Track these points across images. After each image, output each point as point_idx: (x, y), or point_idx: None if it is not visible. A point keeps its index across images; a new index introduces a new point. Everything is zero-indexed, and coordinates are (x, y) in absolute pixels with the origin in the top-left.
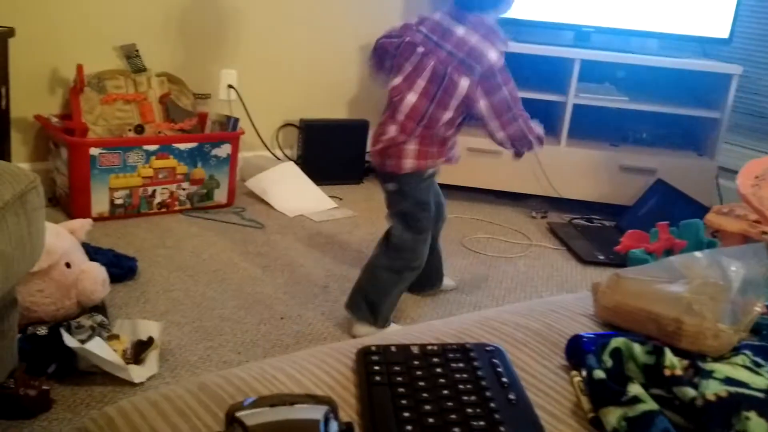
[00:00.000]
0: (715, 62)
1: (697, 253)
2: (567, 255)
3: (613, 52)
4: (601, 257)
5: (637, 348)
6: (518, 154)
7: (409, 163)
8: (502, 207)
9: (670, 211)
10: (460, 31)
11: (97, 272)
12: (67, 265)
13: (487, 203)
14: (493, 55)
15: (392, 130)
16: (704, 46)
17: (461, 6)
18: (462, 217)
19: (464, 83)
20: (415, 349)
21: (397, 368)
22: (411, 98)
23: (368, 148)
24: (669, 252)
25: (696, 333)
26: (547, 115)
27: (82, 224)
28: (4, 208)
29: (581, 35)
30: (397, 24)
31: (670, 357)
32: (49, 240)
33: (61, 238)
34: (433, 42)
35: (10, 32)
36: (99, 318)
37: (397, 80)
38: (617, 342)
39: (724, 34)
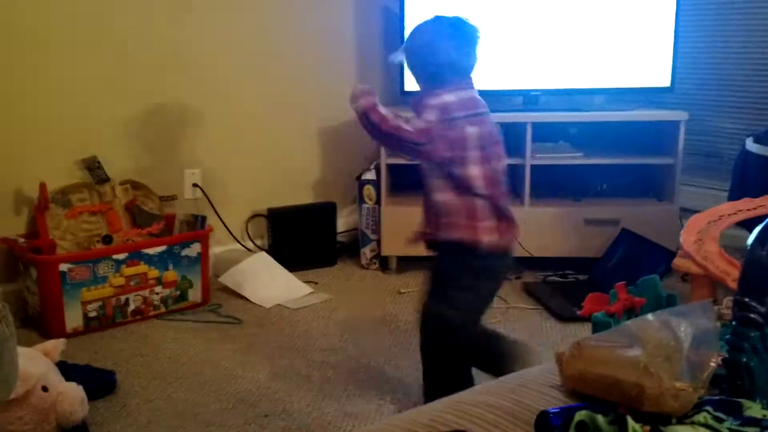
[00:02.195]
0: (661, 111)
1: (649, 316)
2: (545, 314)
3: (562, 112)
4: (578, 312)
5: (600, 419)
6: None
7: None
8: None
9: (639, 259)
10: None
11: (75, 393)
12: (44, 388)
13: None
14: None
15: None
16: (648, 95)
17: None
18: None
19: None
20: None
21: None
22: None
23: (339, 229)
24: (630, 311)
25: (657, 396)
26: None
27: (55, 345)
28: None
29: (530, 99)
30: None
31: (632, 425)
32: (24, 365)
33: (36, 362)
34: None
35: None
36: None
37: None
38: (581, 415)
39: (666, 83)
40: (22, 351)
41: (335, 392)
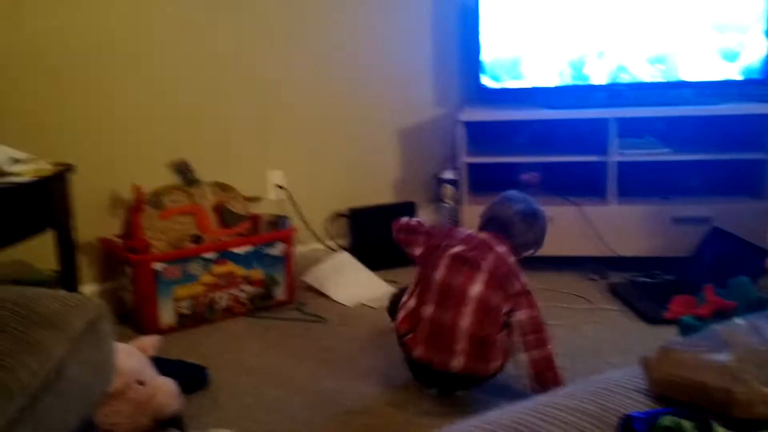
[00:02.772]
0: (753, 104)
1: (738, 320)
2: (632, 316)
3: (647, 108)
4: (665, 315)
5: (687, 425)
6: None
7: None
8: (559, 273)
9: (731, 259)
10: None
11: (170, 387)
12: (140, 382)
13: (543, 270)
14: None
15: None
16: (740, 88)
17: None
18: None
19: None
20: None
21: None
22: None
23: None
24: (720, 313)
25: (747, 401)
26: (590, 176)
27: (151, 341)
28: (79, 339)
29: (614, 93)
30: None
31: (719, 431)
32: (121, 360)
33: (132, 357)
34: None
35: (70, 168)
36: (174, 431)
37: None
38: (666, 420)
39: (758, 74)
40: (118, 347)
41: (415, 392)
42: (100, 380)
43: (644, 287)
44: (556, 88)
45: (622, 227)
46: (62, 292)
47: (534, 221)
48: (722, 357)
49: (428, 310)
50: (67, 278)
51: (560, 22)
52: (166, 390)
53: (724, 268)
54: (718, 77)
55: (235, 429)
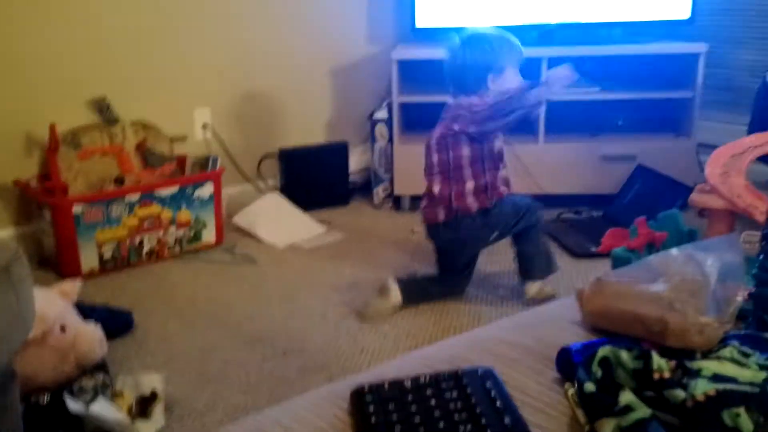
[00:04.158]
0: (680, 43)
1: (674, 251)
2: (559, 251)
3: (578, 46)
4: (593, 249)
5: (625, 354)
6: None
7: None
8: None
9: (655, 195)
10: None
11: (93, 332)
12: (62, 328)
13: None
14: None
15: None
16: (668, 28)
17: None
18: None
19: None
20: (408, 384)
21: (391, 407)
22: None
23: (351, 168)
24: (651, 246)
25: (681, 330)
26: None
27: (72, 286)
28: None
29: (545, 33)
30: None
31: (657, 360)
32: (41, 306)
33: (53, 303)
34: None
35: None
36: (100, 377)
37: None
38: (604, 351)
39: (685, 14)
40: (38, 293)
41: (351, 329)
42: (17, 328)
43: (572, 224)
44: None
45: (551, 165)
46: None
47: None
48: (657, 287)
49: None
50: None
51: None
52: (89, 336)
53: (648, 205)
54: (647, 17)
55: (165, 372)
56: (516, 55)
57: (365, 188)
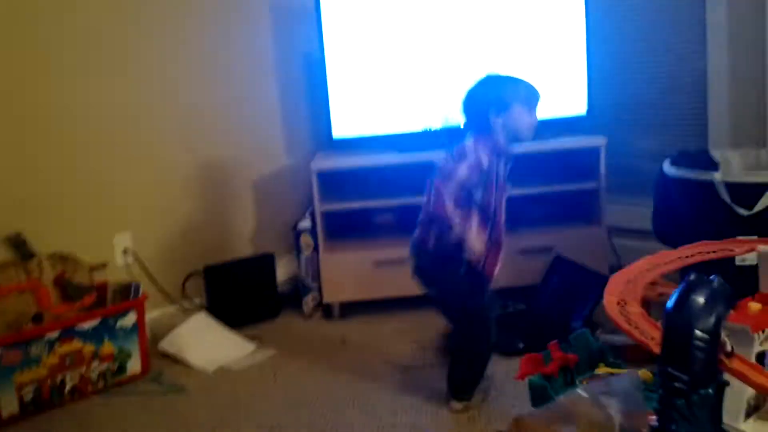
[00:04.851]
0: (581, 137)
1: (581, 392)
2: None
3: None
4: (522, 345)
5: None
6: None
7: None
8: (419, 310)
9: (574, 285)
10: None
11: None
12: None
13: (404, 310)
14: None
15: None
16: (568, 124)
17: None
18: (383, 331)
19: None
20: None
21: None
22: None
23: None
24: (565, 368)
25: None
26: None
27: None
28: None
29: (453, 136)
30: None
31: None
32: None
33: None
34: None
35: None
36: None
37: None
38: None
39: (582, 110)
40: None
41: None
42: None
43: (499, 320)
44: (401, 135)
45: None
46: None
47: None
48: (568, 429)
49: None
50: None
51: (401, 72)
52: None
53: (568, 295)
54: (548, 115)
55: None
56: (526, 93)
57: (294, 297)
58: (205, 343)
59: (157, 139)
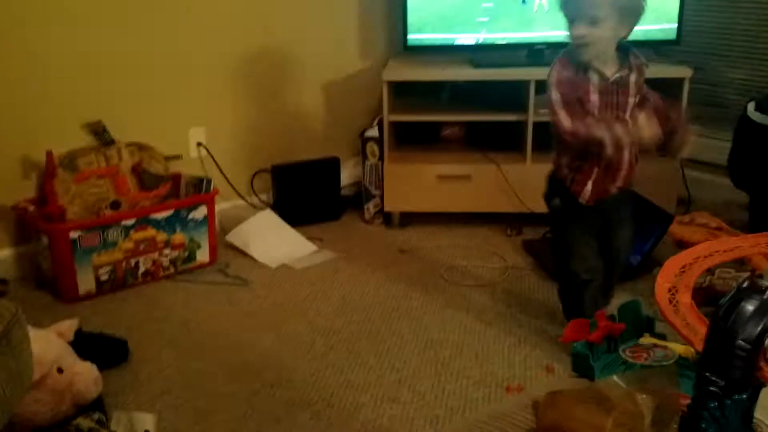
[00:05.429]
0: (665, 66)
1: (618, 380)
2: (542, 274)
3: None
4: (560, 339)
5: None
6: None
7: None
8: (477, 228)
9: (639, 219)
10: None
11: (90, 372)
12: (59, 370)
13: (462, 226)
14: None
15: None
16: (657, 47)
17: None
18: (440, 245)
19: None
20: None
21: None
22: None
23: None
24: (609, 338)
25: None
26: (510, 133)
27: (69, 325)
28: None
29: (534, 53)
30: None
31: None
32: (38, 350)
33: (51, 345)
34: None
35: None
36: (96, 416)
37: None
38: None
39: (672, 35)
40: (36, 335)
41: (338, 361)
42: (17, 387)
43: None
44: (479, 45)
45: (537, 185)
46: None
47: None
48: (603, 413)
49: None
50: None
51: None
52: (86, 376)
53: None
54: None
55: (158, 406)
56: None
57: (356, 201)
58: (270, 239)
59: (233, 37)
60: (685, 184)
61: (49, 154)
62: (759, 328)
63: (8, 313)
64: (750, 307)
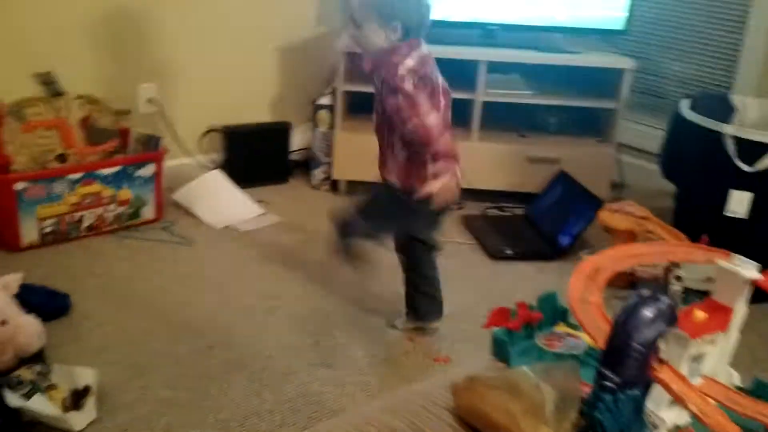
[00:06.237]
0: (609, 56)
1: (527, 370)
2: (478, 250)
3: (516, 50)
4: (509, 252)
5: None
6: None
7: None
8: None
9: (571, 203)
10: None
11: (32, 325)
12: (2, 322)
13: None
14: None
15: None
16: (605, 35)
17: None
18: None
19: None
20: None
21: None
22: None
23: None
24: (528, 326)
25: None
26: (458, 109)
27: (14, 278)
28: None
29: (487, 33)
30: None
31: None
32: None
33: None
34: None
35: None
36: (37, 368)
37: None
38: None
39: (621, 25)
40: None
41: (277, 325)
42: None
43: (494, 222)
44: (435, 21)
45: (481, 162)
46: None
47: None
48: (512, 403)
49: None
50: None
51: None
52: (29, 328)
53: (564, 210)
54: (588, 24)
55: (98, 360)
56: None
57: (304, 166)
58: (216, 200)
59: None
60: (619, 169)
61: None
62: (653, 333)
63: None
64: (647, 313)
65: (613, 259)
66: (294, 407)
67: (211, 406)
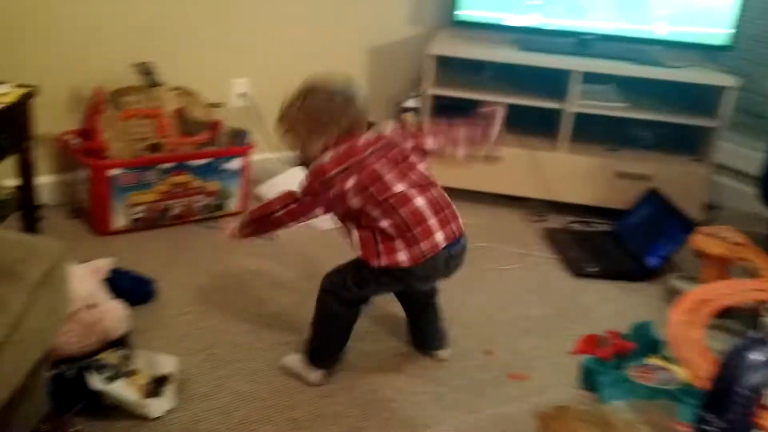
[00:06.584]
0: (711, 73)
1: (624, 409)
2: (559, 265)
3: (611, 61)
4: (592, 269)
5: None
6: None
7: None
8: (502, 209)
9: (661, 223)
10: None
11: (119, 311)
12: (91, 306)
13: (487, 205)
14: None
15: None
16: (707, 51)
17: None
18: (464, 223)
19: None
20: None
21: None
22: None
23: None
24: (619, 356)
25: None
26: (546, 120)
27: (105, 263)
28: (37, 289)
29: (582, 42)
30: None
31: None
32: (74, 285)
33: (85, 282)
34: None
35: (32, 94)
36: (121, 352)
37: None
38: None
39: (724, 41)
40: (73, 270)
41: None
42: (56, 323)
43: (577, 236)
44: (527, 27)
45: (567, 174)
46: (22, 237)
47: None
48: None
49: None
50: (25, 197)
51: None
52: (114, 314)
53: (653, 231)
54: (689, 38)
55: (179, 348)
56: None
57: None
58: None
59: None
60: (714, 190)
61: (97, 91)
62: (761, 378)
63: (54, 252)
64: (754, 357)
65: (720, 292)
66: (365, 413)
67: (287, 403)
